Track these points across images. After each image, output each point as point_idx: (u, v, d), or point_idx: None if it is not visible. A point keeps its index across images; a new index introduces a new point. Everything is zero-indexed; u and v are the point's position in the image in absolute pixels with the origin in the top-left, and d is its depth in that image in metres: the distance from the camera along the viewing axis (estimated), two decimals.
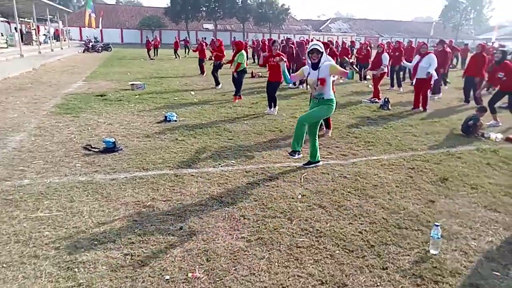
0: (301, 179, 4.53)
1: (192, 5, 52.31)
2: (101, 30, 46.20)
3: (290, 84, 12.48)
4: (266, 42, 19.73)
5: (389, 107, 9.19)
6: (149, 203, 3.75)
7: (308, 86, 4.93)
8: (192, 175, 4.54)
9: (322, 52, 4.55)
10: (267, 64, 8.34)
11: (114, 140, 5.40)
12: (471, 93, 9.89)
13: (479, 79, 9.50)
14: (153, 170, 4.67)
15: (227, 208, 3.70)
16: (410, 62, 9.57)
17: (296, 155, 4.71)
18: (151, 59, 24.36)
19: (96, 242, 3.02)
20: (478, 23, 65.81)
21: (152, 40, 27.09)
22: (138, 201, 3.79)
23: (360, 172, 4.82)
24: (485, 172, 4.92)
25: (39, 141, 5.72)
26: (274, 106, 8.41)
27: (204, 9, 54.74)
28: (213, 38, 14.59)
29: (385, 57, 10.07)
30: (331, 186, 4.34)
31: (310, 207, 3.80)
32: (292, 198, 4.00)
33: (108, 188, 4.08)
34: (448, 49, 12.55)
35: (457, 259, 2.96)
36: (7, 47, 24.17)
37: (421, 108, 9.01)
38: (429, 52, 8.84)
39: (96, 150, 5.32)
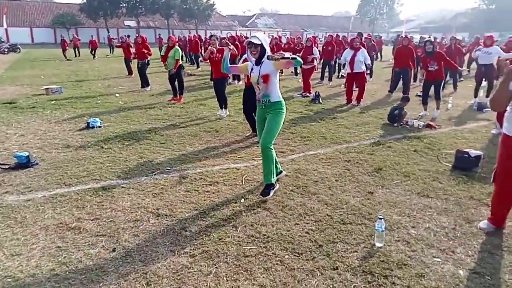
0: (242, 181, 4.36)
1: (111, 1, 49.36)
2: (5, 29, 41.55)
3: (231, 80, 12.10)
4: (193, 39, 19.25)
5: (320, 100, 9.41)
6: (74, 224, 3.30)
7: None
8: (122, 187, 4.13)
9: (261, 45, 3.79)
10: (209, 60, 7.84)
11: (27, 153, 4.74)
12: (400, 84, 10.45)
13: (409, 70, 10.12)
14: (76, 185, 4.17)
15: (165, 221, 3.39)
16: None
17: (272, 191, 3.94)
18: (68, 59, 22.46)
19: (9, 280, 2.55)
20: (390, 17, 71.30)
21: (70, 40, 24.98)
22: (60, 223, 3.32)
23: (300, 168, 4.78)
24: (414, 159, 5.18)
25: None
26: (225, 107, 7.81)
27: (124, 5, 51.98)
28: (137, 35, 13.74)
29: (316, 51, 10.28)
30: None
31: (255, 210, 3.64)
32: (235, 203, 3.80)
33: (23, 211, 3.53)
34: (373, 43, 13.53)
35: (401, 250, 3.00)
36: None
37: (354, 103, 9.26)
38: (361, 47, 9.17)
39: (6, 167, 4.63)
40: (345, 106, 8.95)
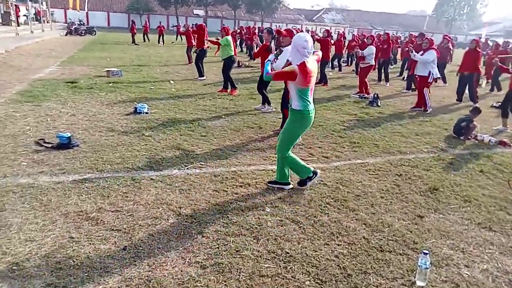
0: (275, 187, 4.02)
1: None
2: (86, 13, 44.71)
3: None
4: (252, 31, 19.12)
5: (379, 103, 8.73)
6: (93, 214, 3.21)
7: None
8: (151, 179, 4.00)
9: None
10: (260, 56, 7.38)
11: (69, 134, 4.81)
12: (467, 91, 9.61)
13: (475, 75, 9.24)
14: (108, 171, 4.11)
15: (185, 222, 3.18)
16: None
17: (308, 182, 3.95)
18: (136, 44, 23.46)
19: (15, 268, 2.48)
20: (471, 18, 65.47)
21: (142, 25, 26.07)
22: (81, 211, 3.24)
23: (342, 178, 4.33)
24: (479, 181, 4.48)
25: None
26: (268, 104, 7.55)
27: None
28: (196, 24, 13.87)
29: (370, 49, 9.55)
30: (308, 195, 3.85)
31: (282, 222, 3.30)
32: (263, 209, 3.49)
33: (50, 193, 3.52)
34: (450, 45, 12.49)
35: None
36: None
37: (418, 108, 8.45)
38: (431, 48, 8.32)
39: (49, 146, 4.73)
40: (406, 112, 8.19)
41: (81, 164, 4.26)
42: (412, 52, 8.42)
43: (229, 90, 9.17)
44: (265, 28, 7.57)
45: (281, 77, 3.85)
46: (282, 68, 3.87)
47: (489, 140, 6.04)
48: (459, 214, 3.64)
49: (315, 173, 3.97)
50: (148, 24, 27.44)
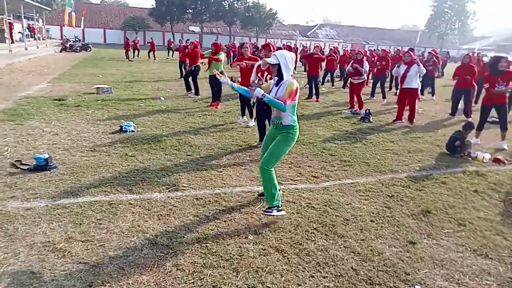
0: (260, 208, 3.82)
1: (178, 7, 51.31)
2: (83, 30, 44.88)
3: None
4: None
5: (371, 119, 8.60)
6: (62, 244, 2.98)
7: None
8: (130, 203, 3.78)
9: (278, 64, 3.47)
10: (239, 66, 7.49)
11: (47, 156, 4.60)
12: (460, 105, 9.60)
13: (471, 91, 9.26)
14: (84, 196, 3.89)
15: (160, 253, 2.96)
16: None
17: (275, 211, 3.52)
18: (130, 60, 23.43)
19: None
20: (462, 33, 66.32)
21: (132, 41, 26.18)
22: (49, 241, 3.02)
23: (331, 201, 4.13)
24: (473, 202, 4.30)
25: None
26: (250, 117, 7.54)
27: (190, 11, 53.80)
28: (194, 40, 13.87)
29: (365, 64, 9.49)
30: (295, 220, 3.65)
31: (265, 251, 3.09)
32: (245, 237, 3.28)
33: (18, 221, 3.30)
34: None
35: None
36: None
37: (404, 121, 8.46)
38: (415, 61, 8.28)
39: (25, 168, 4.51)
40: (398, 129, 8.05)
41: (56, 188, 4.04)
42: (398, 67, 8.46)
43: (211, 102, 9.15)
44: (244, 42, 7.57)
45: (295, 96, 3.50)
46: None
47: (483, 157, 5.88)
48: (453, 239, 3.45)
49: (282, 209, 3.62)
50: (138, 40, 27.57)
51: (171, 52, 29.56)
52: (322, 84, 15.76)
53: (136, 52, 26.21)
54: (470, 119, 8.73)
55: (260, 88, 3.56)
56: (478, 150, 6.31)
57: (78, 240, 3.06)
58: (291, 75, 3.58)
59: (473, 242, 3.40)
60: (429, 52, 13.49)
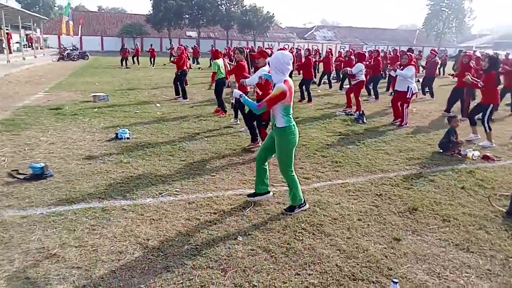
0: (250, 211, 3.93)
1: (175, 13, 51.52)
2: (80, 38, 45.17)
3: None
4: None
5: (364, 120, 8.70)
6: (56, 250, 3.08)
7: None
8: (123, 209, 3.89)
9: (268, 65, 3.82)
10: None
11: (43, 164, 4.71)
12: (457, 104, 9.69)
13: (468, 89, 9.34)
14: (79, 203, 4.00)
15: (151, 256, 3.06)
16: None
17: (296, 209, 3.92)
18: (127, 67, 23.58)
19: None
20: (460, 31, 66.48)
21: (133, 48, 26.31)
22: (43, 247, 3.12)
23: (320, 201, 4.23)
24: (459, 199, 4.40)
25: None
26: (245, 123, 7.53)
27: (187, 16, 54.04)
28: (180, 45, 14.11)
29: (357, 66, 9.59)
30: (283, 221, 3.75)
31: (253, 251, 3.19)
32: (235, 238, 3.38)
33: (14, 229, 3.40)
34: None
35: None
36: None
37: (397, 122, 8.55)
38: (410, 63, 8.37)
39: (22, 177, 4.63)
40: (391, 129, 8.15)
41: (51, 196, 4.15)
42: (395, 70, 8.44)
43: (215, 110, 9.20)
44: (237, 48, 7.58)
45: (274, 102, 3.60)
46: (256, 84, 4.00)
47: (472, 155, 5.98)
48: (437, 235, 3.54)
49: (305, 202, 4.03)
50: (139, 47, 27.73)
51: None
52: (319, 85, 15.90)
53: (136, 59, 26.33)
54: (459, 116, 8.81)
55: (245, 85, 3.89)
56: (468, 148, 6.40)
57: (72, 246, 3.16)
58: (285, 79, 3.60)
59: (456, 237, 3.50)
60: (430, 52, 13.55)
